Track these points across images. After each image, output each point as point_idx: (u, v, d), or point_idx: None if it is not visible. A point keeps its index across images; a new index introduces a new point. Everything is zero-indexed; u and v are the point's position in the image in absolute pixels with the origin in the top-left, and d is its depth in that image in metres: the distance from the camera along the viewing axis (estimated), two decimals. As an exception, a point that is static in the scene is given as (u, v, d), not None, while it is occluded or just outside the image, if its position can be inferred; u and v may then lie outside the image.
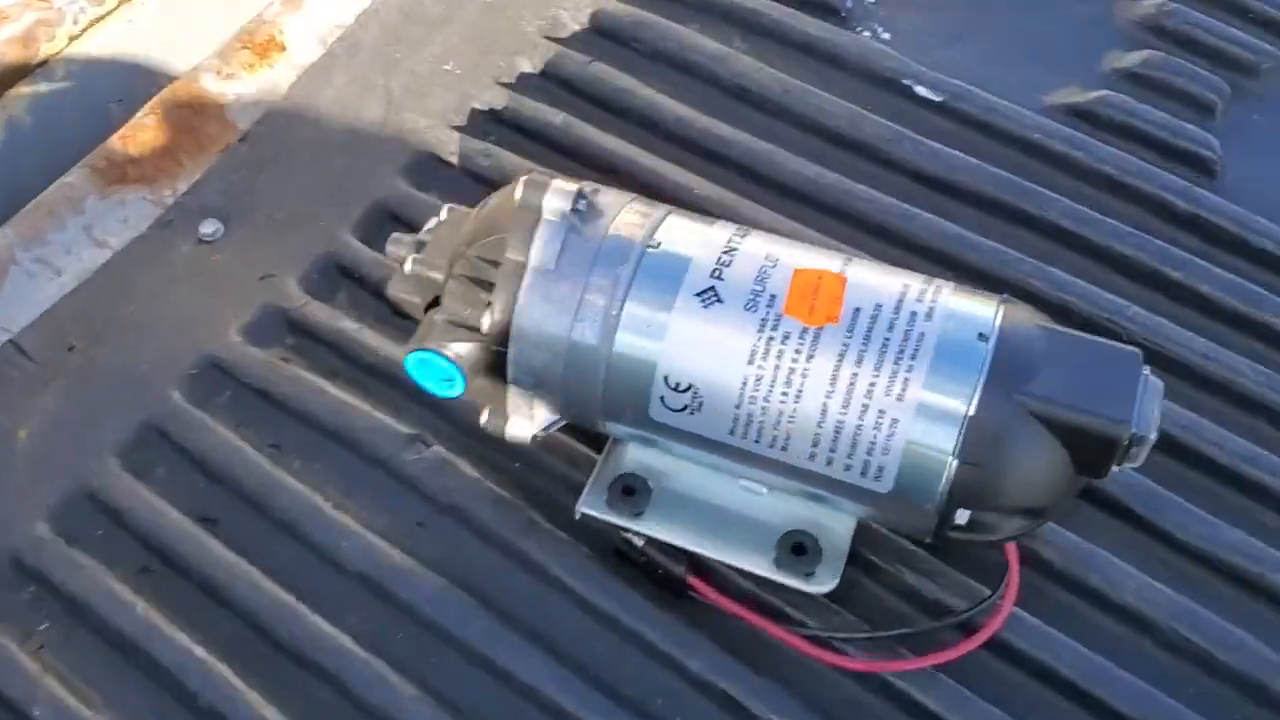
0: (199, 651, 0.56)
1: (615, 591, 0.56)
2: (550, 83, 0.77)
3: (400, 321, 0.64)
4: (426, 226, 0.59)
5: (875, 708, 0.54)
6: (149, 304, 0.69)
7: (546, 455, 0.61)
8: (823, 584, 0.54)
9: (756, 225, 0.67)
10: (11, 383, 0.65)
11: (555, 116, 0.75)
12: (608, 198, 0.54)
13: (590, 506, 0.56)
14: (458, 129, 0.75)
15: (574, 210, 0.52)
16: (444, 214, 0.58)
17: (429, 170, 0.73)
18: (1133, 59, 0.77)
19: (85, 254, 0.72)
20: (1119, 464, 0.48)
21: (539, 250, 0.52)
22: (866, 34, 0.80)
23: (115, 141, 0.74)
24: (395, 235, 0.59)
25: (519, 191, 0.52)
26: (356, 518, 0.60)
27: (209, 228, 0.71)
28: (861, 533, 0.56)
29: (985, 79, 0.76)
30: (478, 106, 0.76)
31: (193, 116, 0.76)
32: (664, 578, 0.56)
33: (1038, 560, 0.57)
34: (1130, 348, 0.50)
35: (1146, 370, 0.49)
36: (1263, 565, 0.57)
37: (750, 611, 0.55)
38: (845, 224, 0.70)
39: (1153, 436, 0.47)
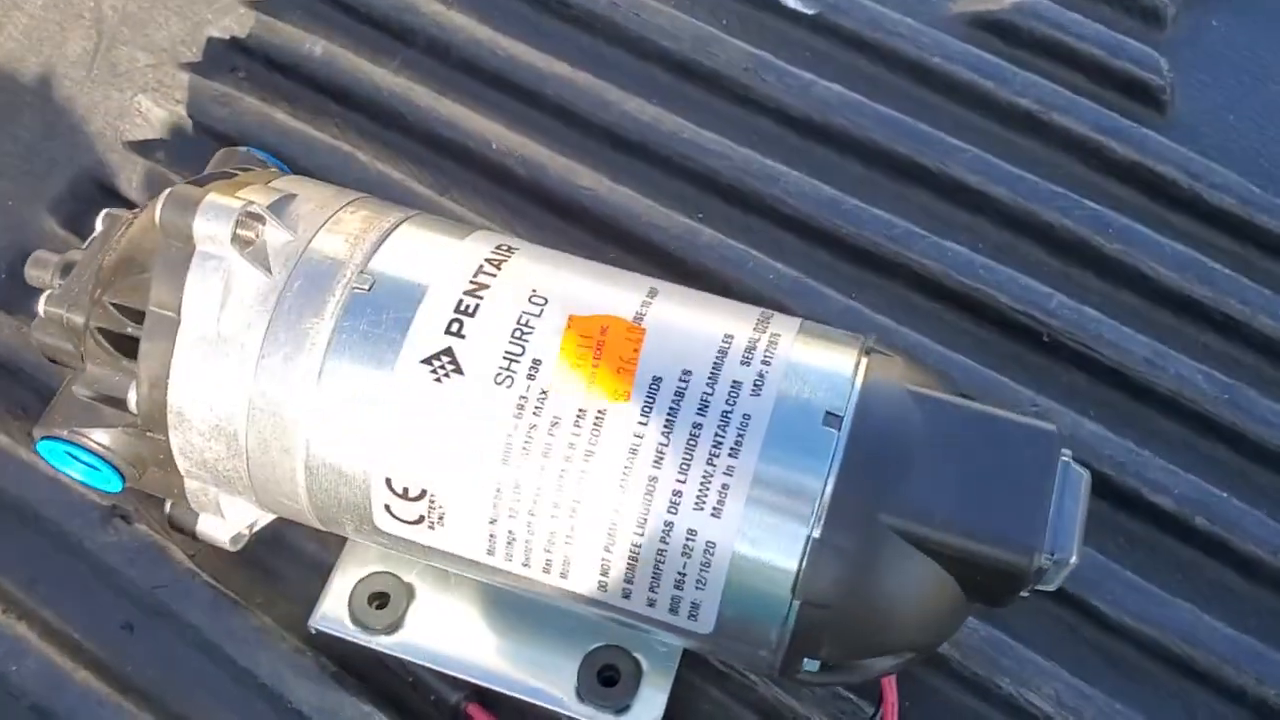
0: None
1: (371, 728, 0.42)
2: (315, -1, 0.59)
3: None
4: (92, 236, 0.42)
5: None
6: None
7: (275, 551, 0.45)
8: (638, 722, 0.40)
9: (573, 187, 0.52)
10: None
11: (314, 45, 0.57)
12: (305, 205, 0.37)
13: (327, 622, 0.42)
14: (189, 67, 0.57)
15: (242, 236, 0.35)
16: (100, 223, 0.41)
17: (152, 126, 0.56)
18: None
19: None
20: (1027, 592, 0.34)
21: (193, 300, 0.35)
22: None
23: None
24: (38, 253, 0.42)
25: (159, 211, 0.35)
26: (44, 622, 0.45)
27: None
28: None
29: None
30: (215, 34, 0.59)
31: None
32: (438, 703, 0.42)
33: (930, 657, 0.43)
34: (1044, 425, 0.34)
35: (1066, 456, 0.34)
36: (1223, 659, 0.44)
37: (547, 757, 0.41)
38: (691, 184, 0.55)
39: (1073, 560, 0.33)
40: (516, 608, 0.41)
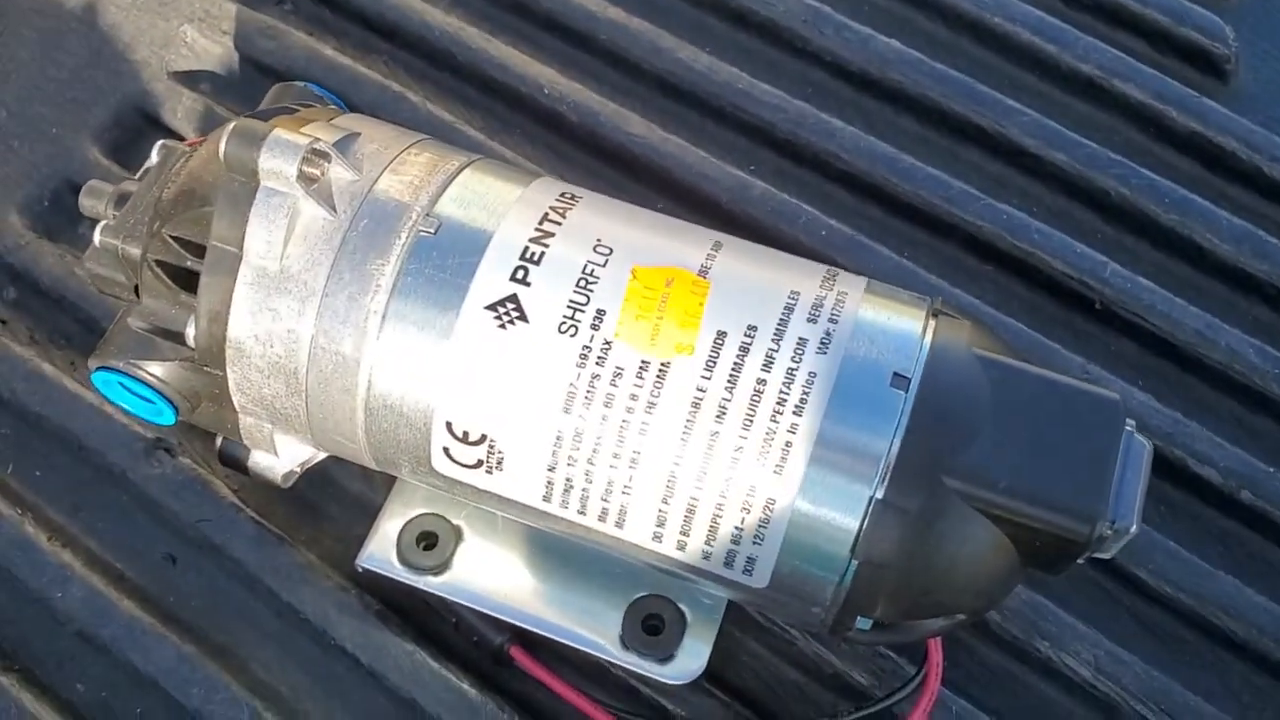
0: None
1: (415, 662, 0.42)
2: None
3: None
4: (146, 166, 0.42)
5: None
6: None
7: (331, 465, 0.45)
8: (683, 672, 0.40)
9: (625, 135, 0.51)
10: None
11: (365, -20, 0.56)
12: (369, 144, 0.37)
13: (375, 559, 0.42)
14: (236, -1, 0.56)
15: (307, 173, 0.35)
16: (155, 155, 0.41)
17: (198, 57, 0.55)
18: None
19: None
20: (1084, 559, 0.34)
21: (256, 236, 0.35)
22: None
23: None
24: (92, 183, 0.41)
25: (223, 145, 0.35)
26: (85, 550, 0.45)
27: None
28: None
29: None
30: (263, -36, 0.57)
31: None
32: (480, 649, 0.42)
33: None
34: (1109, 395, 0.34)
35: (1130, 426, 0.34)
36: (1262, 631, 0.44)
37: (592, 702, 0.41)
38: (744, 135, 0.54)
39: (1134, 530, 0.33)
40: (563, 553, 0.42)
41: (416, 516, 0.42)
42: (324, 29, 0.56)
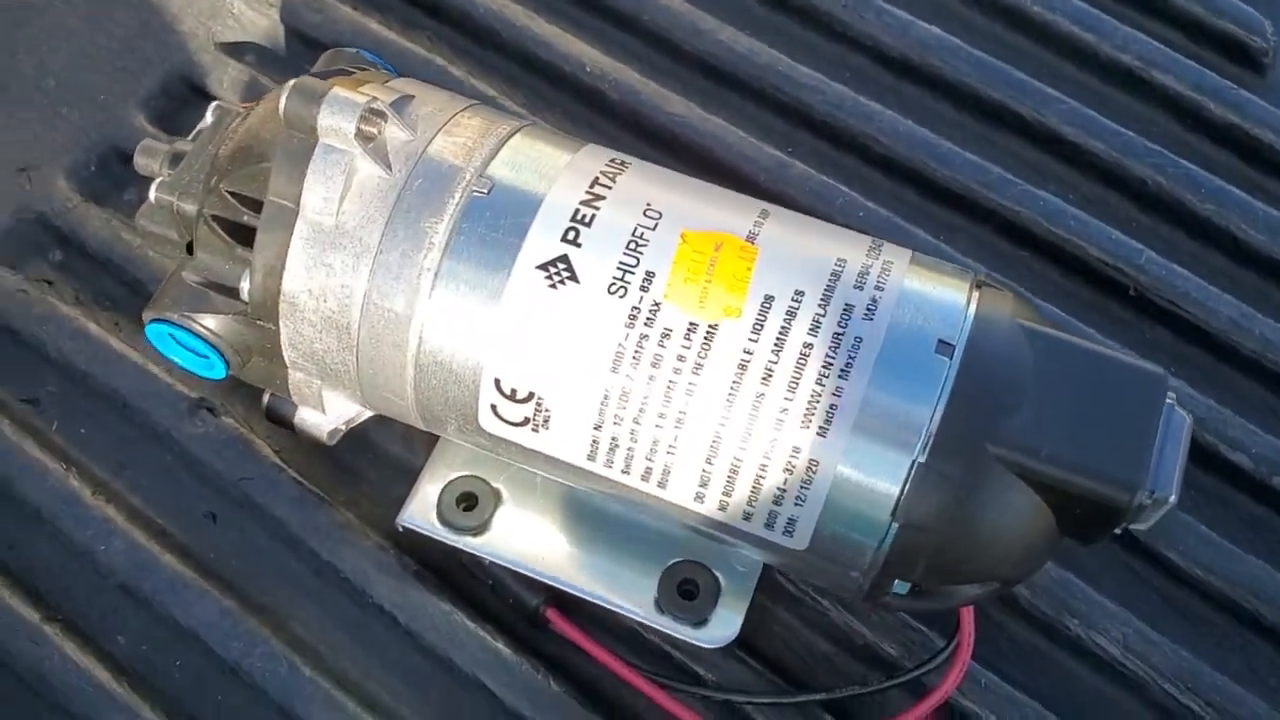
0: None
1: (451, 623, 0.43)
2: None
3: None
4: (199, 127, 0.43)
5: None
6: None
7: (371, 428, 0.46)
8: (717, 635, 0.41)
9: (665, 115, 0.52)
10: None
11: (406, -43, 0.57)
12: (423, 107, 0.38)
13: (415, 519, 0.42)
14: (282, -30, 0.57)
15: (365, 132, 0.36)
16: (209, 115, 0.42)
17: (244, 28, 0.56)
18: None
19: None
20: (1120, 530, 0.34)
21: (313, 192, 0.36)
22: None
23: None
24: (146, 142, 0.42)
25: (284, 101, 0.36)
26: (128, 503, 0.46)
27: (-47, 107, 0.54)
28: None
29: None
30: (310, -63, 0.58)
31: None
32: (517, 609, 0.43)
33: (1001, 596, 0.44)
34: (1152, 368, 0.35)
35: (1171, 400, 0.34)
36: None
37: (625, 664, 0.42)
38: (783, 117, 0.55)
39: (1172, 500, 0.33)
40: (600, 518, 0.42)
41: (457, 478, 0.43)
42: (369, 4, 0.57)
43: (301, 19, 0.56)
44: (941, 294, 0.35)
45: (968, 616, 0.40)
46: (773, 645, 0.44)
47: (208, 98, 0.56)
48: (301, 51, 0.56)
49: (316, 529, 0.45)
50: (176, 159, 0.41)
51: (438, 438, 0.44)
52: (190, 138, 0.43)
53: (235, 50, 0.56)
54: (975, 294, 0.35)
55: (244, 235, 0.38)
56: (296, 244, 0.36)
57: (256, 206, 0.37)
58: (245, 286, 0.37)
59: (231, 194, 0.37)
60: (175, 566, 0.45)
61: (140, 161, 0.42)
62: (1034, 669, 0.44)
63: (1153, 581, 0.45)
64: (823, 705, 0.42)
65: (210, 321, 0.38)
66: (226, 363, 0.39)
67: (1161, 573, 0.45)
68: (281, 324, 0.37)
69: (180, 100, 0.55)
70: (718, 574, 0.41)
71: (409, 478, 0.45)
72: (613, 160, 0.38)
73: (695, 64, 0.56)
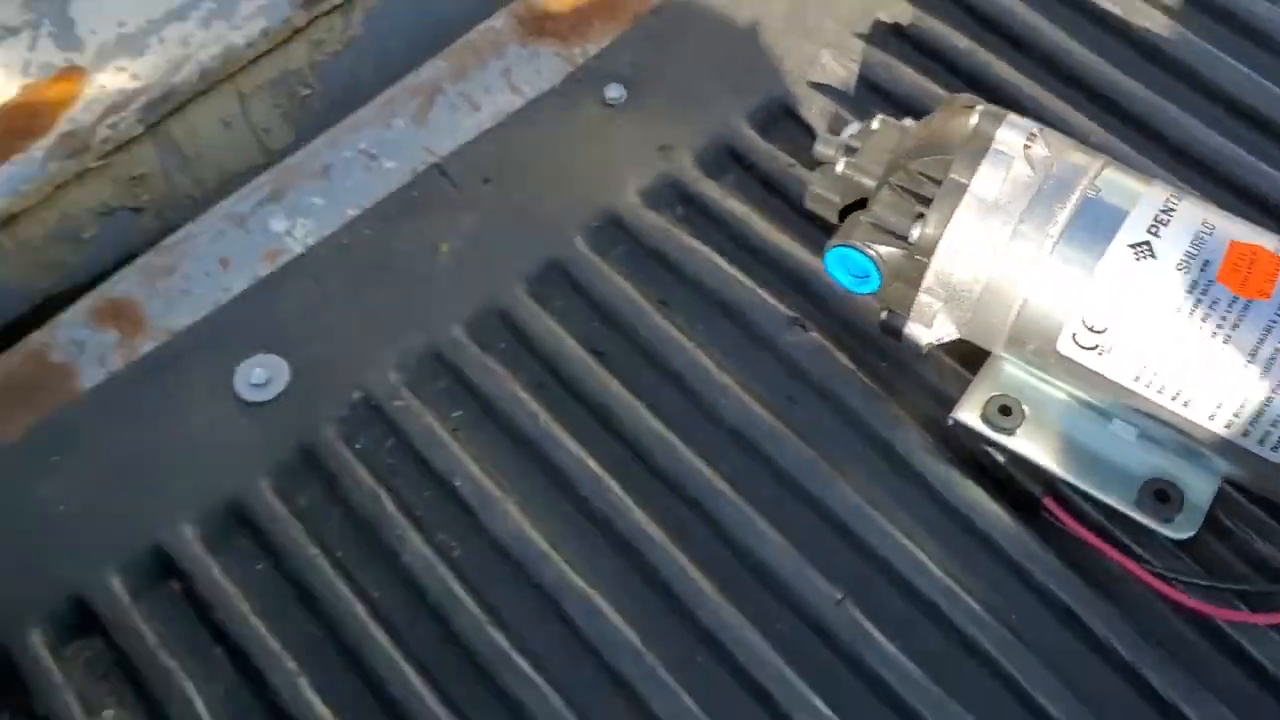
0: (591, 464, 0.63)
1: (971, 497, 0.61)
2: (958, 8, 0.79)
3: (785, 215, 0.70)
4: (848, 131, 0.64)
5: (1203, 649, 0.57)
6: (556, 153, 0.75)
7: (915, 363, 0.65)
8: (1181, 531, 0.57)
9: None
10: (435, 201, 0.74)
11: (959, 40, 0.77)
12: (1052, 137, 0.57)
13: (966, 415, 0.61)
14: (861, 36, 0.78)
15: (1026, 145, 0.55)
16: (875, 124, 0.62)
17: (830, 74, 0.77)
18: None
19: (501, 97, 0.79)
20: None
21: (985, 178, 0.55)
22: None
23: (537, -3, 0.81)
24: (824, 135, 0.64)
25: (975, 119, 0.56)
26: (735, 379, 0.66)
27: (614, 92, 0.77)
28: (1217, 496, 0.58)
29: None
30: (883, 19, 0.79)
31: (611, -15, 0.81)
32: (1020, 495, 0.61)
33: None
34: None
35: None
36: None
37: (1099, 539, 0.58)
38: (1242, 200, 0.70)
39: None
40: (1098, 435, 0.59)
41: (993, 396, 0.61)
42: (925, 71, 0.77)
43: (874, 74, 0.76)
44: None
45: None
46: (1206, 558, 0.58)
47: (797, 120, 0.75)
48: (869, 98, 0.75)
49: (875, 415, 0.64)
50: (850, 150, 0.62)
51: (972, 372, 0.62)
52: (844, 137, 0.64)
53: (822, 89, 0.77)
54: None
55: (919, 200, 0.58)
56: (962, 209, 0.56)
57: (934, 182, 0.57)
58: (915, 232, 0.57)
59: (919, 172, 0.57)
60: (773, 423, 0.65)
61: (821, 150, 0.63)
62: None
63: None
64: (1241, 595, 0.56)
65: (883, 250, 0.58)
66: (881, 280, 0.59)
67: None
68: (934, 259, 0.57)
69: (777, 115, 0.74)
70: (1183, 489, 0.58)
71: (941, 396, 0.63)
72: (1174, 193, 0.56)
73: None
